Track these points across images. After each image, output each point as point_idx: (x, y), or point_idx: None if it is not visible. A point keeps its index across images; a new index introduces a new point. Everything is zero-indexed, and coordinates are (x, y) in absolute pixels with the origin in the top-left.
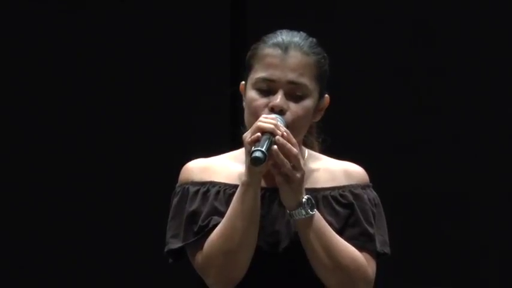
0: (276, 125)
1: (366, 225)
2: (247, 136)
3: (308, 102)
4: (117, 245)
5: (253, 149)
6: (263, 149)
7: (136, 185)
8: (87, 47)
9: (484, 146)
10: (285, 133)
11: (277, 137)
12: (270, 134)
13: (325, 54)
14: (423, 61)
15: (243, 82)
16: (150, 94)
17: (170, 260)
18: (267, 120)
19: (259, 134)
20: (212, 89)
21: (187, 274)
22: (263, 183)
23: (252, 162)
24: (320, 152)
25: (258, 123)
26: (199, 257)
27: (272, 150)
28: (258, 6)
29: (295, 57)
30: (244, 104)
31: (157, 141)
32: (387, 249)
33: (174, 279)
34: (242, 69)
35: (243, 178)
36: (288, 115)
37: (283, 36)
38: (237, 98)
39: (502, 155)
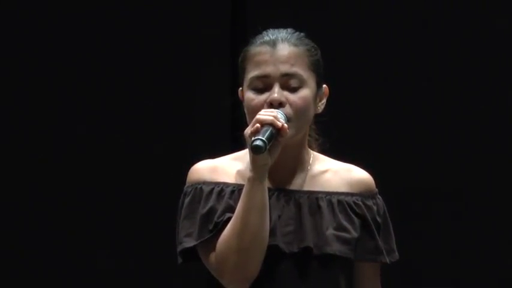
0: (275, 117)
1: (378, 239)
2: (248, 131)
3: (305, 92)
4: (117, 246)
5: (253, 138)
6: (263, 138)
7: (137, 186)
8: (85, 47)
9: (484, 146)
10: (285, 124)
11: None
12: (270, 125)
13: (315, 45)
14: (424, 60)
15: (241, 88)
16: (150, 96)
17: (180, 261)
18: (267, 113)
19: (258, 125)
20: (212, 90)
21: (193, 276)
22: (276, 185)
23: (253, 150)
24: (320, 152)
25: (258, 116)
26: (213, 257)
27: (273, 140)
28: (258, 6)
29: (284, 49)
30: (244, 108)
31: (157, 143)
32: (394, 257)
33: (179, 282)
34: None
35: (249, 174)
36: (288, 107)
37: (270, 34)
38: (238, 100)
39: (503, 156)
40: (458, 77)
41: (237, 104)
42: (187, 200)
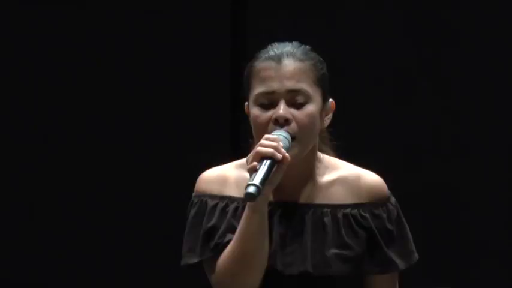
0: (275, 148)
1: (386, 249)
2: (248, 160)
3: (311, 108)
4: (116, 248)
5: (248, 182)
6: (258, 183)
7: (136, 188)
8: (85, 47)
9: (484, 146)
10: (286, 154)
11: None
12: (270, 158)
13: (321, 59)
14: (424, 61)
15: (247, 103)
16: (150, 97)
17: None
18: (267, 143)
19: (255, 163)
20: (212, 92)
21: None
22: (281, 197)
23: (245, 197)
24: (333, 155)
25: (258, 148)
26: (213, 277)
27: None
28: (258, 7)
29: (289, 65)
30: (251, 123)
31: (157, 144)
32: (413, 259)
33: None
34: (241, 72)
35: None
36: (294, 125)
37: (275, 48)
38: (237, 100)
39: (503, 156)
40: (457, 77)
41: (238, 106)
42: (192, 211)
